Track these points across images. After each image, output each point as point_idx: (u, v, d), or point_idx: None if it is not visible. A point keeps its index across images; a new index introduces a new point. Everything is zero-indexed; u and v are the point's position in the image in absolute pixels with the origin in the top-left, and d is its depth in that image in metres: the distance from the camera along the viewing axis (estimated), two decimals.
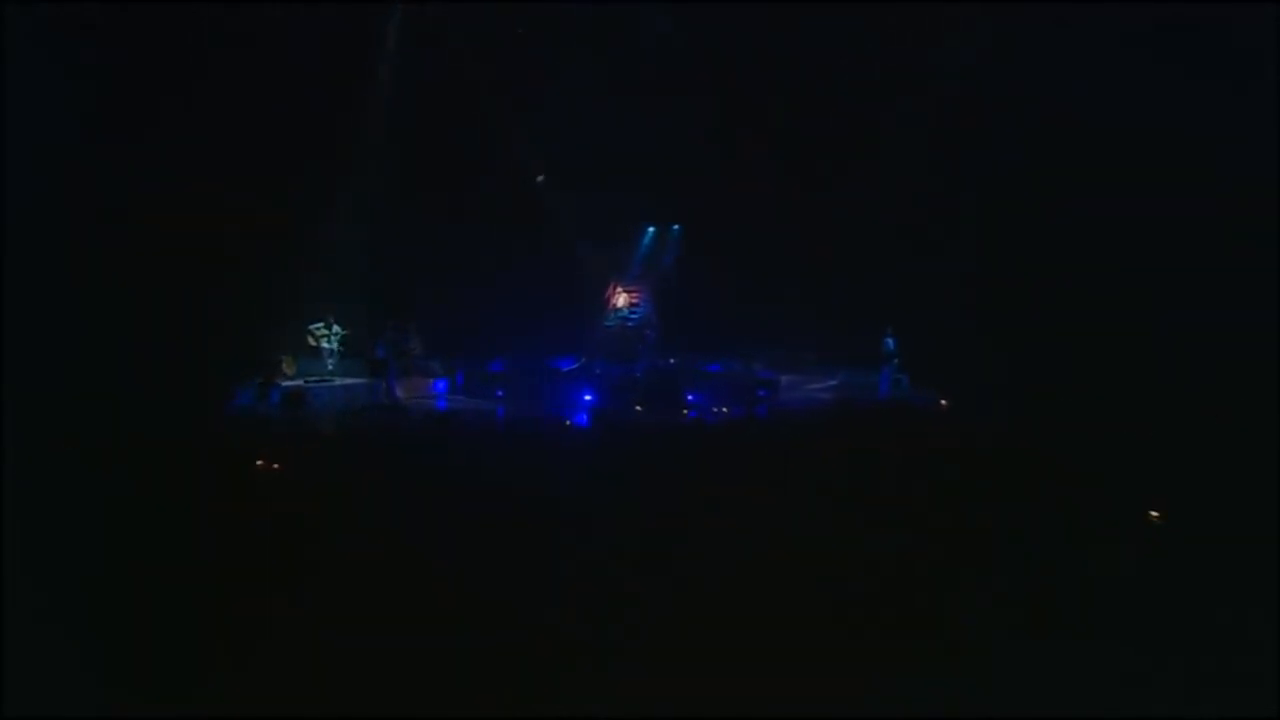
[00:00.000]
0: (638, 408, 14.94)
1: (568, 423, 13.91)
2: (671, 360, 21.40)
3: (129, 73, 15.70)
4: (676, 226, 22.98)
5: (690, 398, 16.54)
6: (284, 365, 18.96)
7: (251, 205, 17.38)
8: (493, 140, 20.44)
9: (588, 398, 16.43)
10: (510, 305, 20.26)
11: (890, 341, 19.20)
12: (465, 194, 20.35)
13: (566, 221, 21.67)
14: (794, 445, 11.28)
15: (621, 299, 22.25)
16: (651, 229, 23.21)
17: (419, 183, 20.07)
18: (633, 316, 22.03)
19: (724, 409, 15.72)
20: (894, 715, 5.43)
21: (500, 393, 17.83)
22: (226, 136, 17.00)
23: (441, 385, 19.04)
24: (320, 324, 18.99)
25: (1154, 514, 8.81)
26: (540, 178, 22.31)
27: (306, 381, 18.31)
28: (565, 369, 21.05)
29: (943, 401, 15.77)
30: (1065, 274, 18.11)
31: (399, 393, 18.30)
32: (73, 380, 12.31)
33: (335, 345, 19.09)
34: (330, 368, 18.88)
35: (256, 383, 17.06)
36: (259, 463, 9.19)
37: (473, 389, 18.83)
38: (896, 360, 19.28)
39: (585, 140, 20.33)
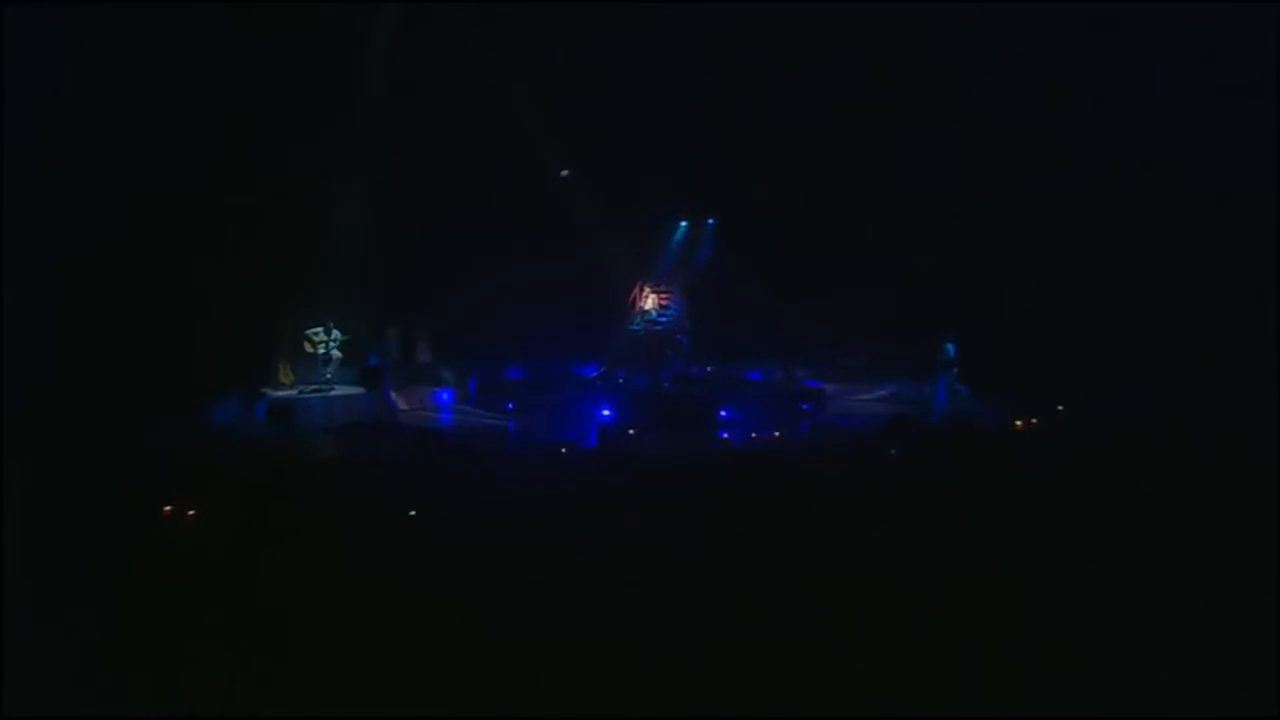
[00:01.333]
0: (630, 431, 12.42)
1: (563, 450, 11.56)
2: (708, 368, 19.36)
3: (115, 67, 14.64)
4: (711, 220, 20.95)
5: (724, 413, 14.35)
6: (280, 373, 17.34)
7: (246, 202, 16.08)
8: (510, 133, 18.86)
9: (606, 413, 14.39)
10: (527, 308, 18.64)
11: (950, 347, 17.14)
12: (480, 190, 18.81)
13: (590, 216, 19.78)
14: (846, 485, 8.98)
15: (649, 300, 20.22)
16: (683, 223, 21.23)
17: (431, 178, 18.50)
18: (661, 319, 19.98)
19: (772, 433, 13.29)
20: None
21: (510, 405, 15.91)
22: (219, 128, 15.81)
23: (445, 396, 17.27)
24: (319, 328, 17.23)
25: None
26: (565, 172, 20.46)
27: (301, 391, 16.64)
28: (590, 376, 19.26)
29: (1018, 422, 13.26)
30: (1145, 273, 16.61)
31: (402, 405, 16.82)
32: (39, 386, 11.49)
33: (335, 351, 17.35)
34: (328, 376, 17.17)
35: (242, 393, 15.42)
36: (166, 509, 7.39)
37: (484, 399, 17.04)
38: (956, 369, 17.17)
39: (612, 130, 18.78)
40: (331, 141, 17.50)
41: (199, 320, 15.21)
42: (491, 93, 18.53)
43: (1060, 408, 14.05)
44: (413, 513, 7.71)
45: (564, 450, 10.97)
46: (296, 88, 16.48)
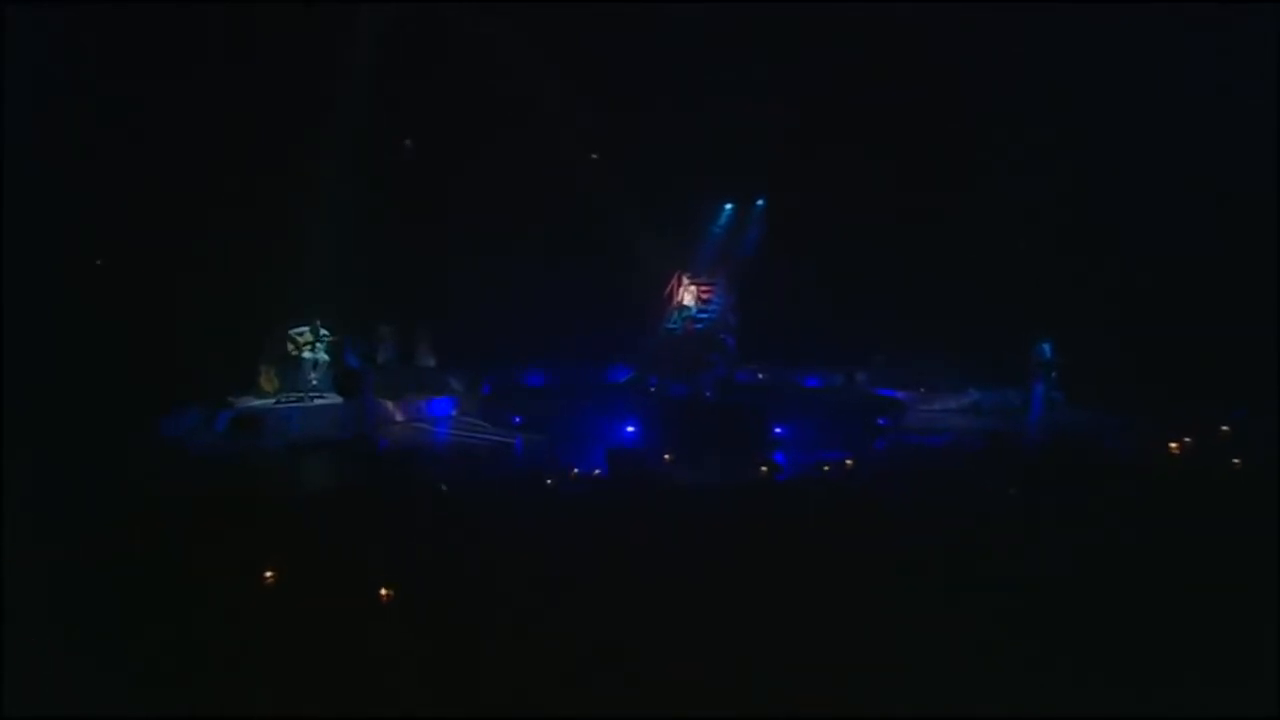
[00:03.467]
0: (666, 457, 9.08)
1: (549, 481, 8.28)
2: (759, 374, 16.41)
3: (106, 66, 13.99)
4: (760, 201, 18.18)
5: (778, 430, 11.32)
6: (262, 379, 15.23)
7: (234, 195, 14.77)
8: (529, 114, 16.71)
9: (629, 429, 11.54)
10: (548, 304, 16.48)
11: (1046, 348, 14.47)
12: (496, 175, 16.64)
13: (620, 200, 17.21)
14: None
15: (688, 294, 17.45)
16: (728, 205, 18.52)
17: (443, 163, 16.82)
18: (702, 316, 17.20)
19: (841, 456, 9.75)
20: None
21: (517, 419, 13.25)
22: (211, 123, 14.78)
23: (444, 406, 14.79)
24: (304, 328, 14.92)
25: None
26: (594, 156, 18.18)
27: (280, 401, 14.33)
28: (617, 383, 16.64)
29: (1173, 444, 9.82)
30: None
31: (398, 415, 14.51)
32: None
33: (321, 355, 14.99)
34: (314, 382, 14.84)
35: (206, 402, 13.39)
36: None
37: (492, 410, 14.50)
38: (1054, 373, 14.30)
39: (645, 103, 16.72)
40: (331, 131, 15.81)
41: (176, 321, 13.93)
42: (510, 73, 16.47)
43: (1224, 426, 10.75)
44: (270, 575, 5.50)
45: (551, 482, 7.96)
46: (302, 76, 15.27)
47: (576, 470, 8.29)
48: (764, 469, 8.90)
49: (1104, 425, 12.43)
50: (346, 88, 15.95)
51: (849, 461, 8.76)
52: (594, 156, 18.31)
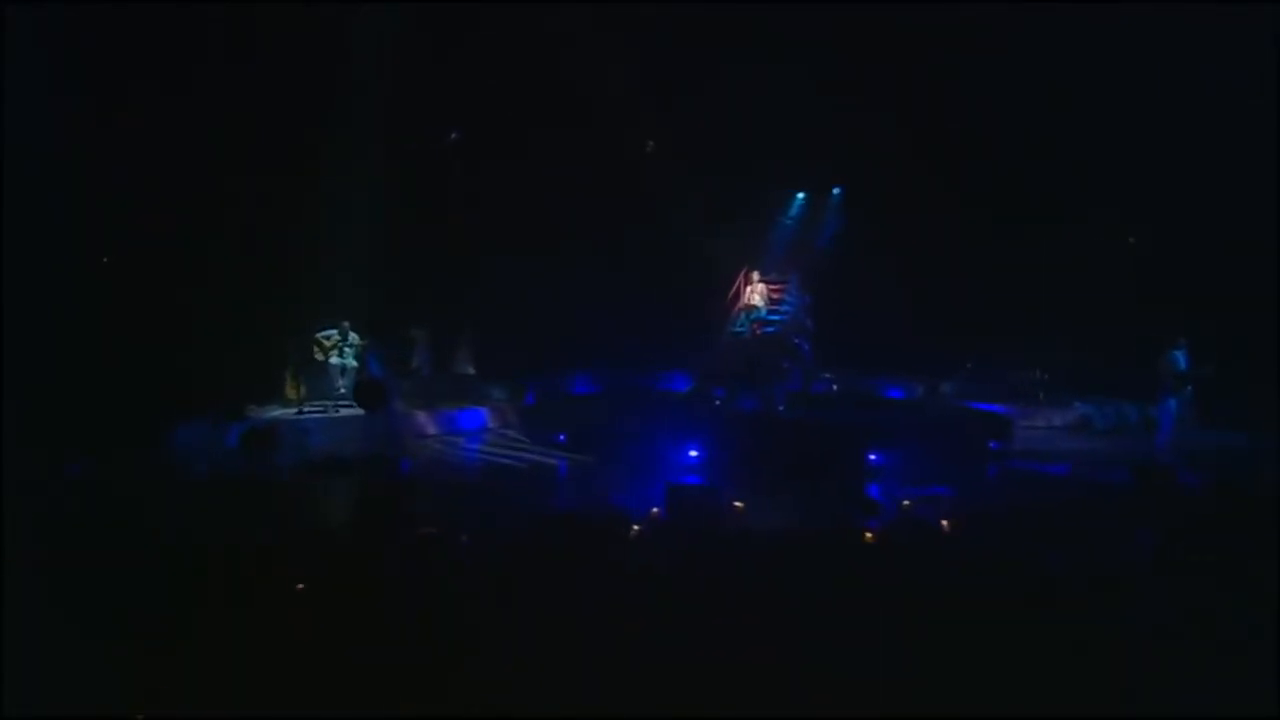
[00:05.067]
0: (711, 497, 6.70)
1: (634, 527, 6.36)
2: (833, 385, 14.55)
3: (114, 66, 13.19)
4: (837, 190, 16.45)
5: (873, 458, 9.36)
6: (287, 386, 13.99)
7: (258, 192, 13.88)
8: (581, 101, 15.30)
9: (692, 453, 9.76)
10: (601, 306, 15.06)
11: (1180, 357, 12.25)
12: (543, 165, 15.41)
13: (680, 190, 15.68)
14: None
15: (757, 293, 15.73)
16: (801, 195, 16.86)
17: (483, 154, 15.65)
18: (773, 319, 15.44)
19: (944, 490, 7.65)
20: None
21: (562, 437, 11.63)
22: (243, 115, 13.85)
23: (473, 418, 13.34)
24: (332, 331, 13.74)
25: None
26: (650, 143, 16.87)
27: (303, 410, 13.04)
28: (678, 394, 15.05)
29: None
30: None
31: (430, 428, 13.26)
32: None
33: (350, 361, 13.77)
34: (341, 390, 13.62)
35: (220, 412, 12.01)
36: None
37: (535, 422, 12.98)
38: (1190, 387, 12.26)
39: (709, 80, 15.13)
40: (366, 124, 14.76)
41: (193, 324, 13.04)
42: (558, 63, 15.11)
43: None
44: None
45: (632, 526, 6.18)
46: (339, 70, 14.46)
47: (637, 528, 6.48)
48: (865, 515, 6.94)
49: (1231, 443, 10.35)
50: (387, 80, 14.77)
51: (945, 523, 6.66)
52: (650, 144, 16.95)
